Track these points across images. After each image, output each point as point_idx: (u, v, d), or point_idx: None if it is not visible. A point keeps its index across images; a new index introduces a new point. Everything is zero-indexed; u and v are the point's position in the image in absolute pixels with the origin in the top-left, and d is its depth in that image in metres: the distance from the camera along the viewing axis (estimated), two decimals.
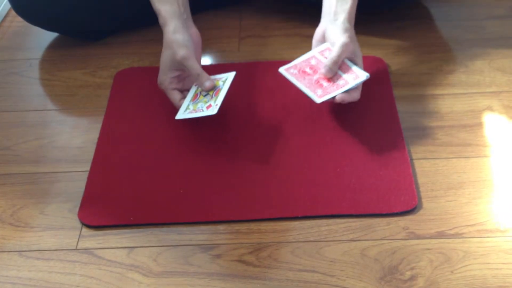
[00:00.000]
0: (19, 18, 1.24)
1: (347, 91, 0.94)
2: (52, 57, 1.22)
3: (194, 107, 0.97)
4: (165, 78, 1.00)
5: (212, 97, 0.97)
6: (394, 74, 1.10)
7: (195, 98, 0.98)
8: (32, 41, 1.27)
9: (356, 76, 0.95)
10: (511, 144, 0.95)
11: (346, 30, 0.97)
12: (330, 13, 0.99)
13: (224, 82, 0.98)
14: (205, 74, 0.98)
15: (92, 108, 1.09)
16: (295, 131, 0.99)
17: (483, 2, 1.28)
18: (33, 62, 1.21)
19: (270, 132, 1.00)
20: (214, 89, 0.98)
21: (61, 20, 1.19)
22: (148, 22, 1.26)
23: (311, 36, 1.02)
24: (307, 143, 0.97)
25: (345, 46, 0.95)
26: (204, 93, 0.98)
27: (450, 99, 1.04)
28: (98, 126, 1.04)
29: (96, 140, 1.01)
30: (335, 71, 0.96)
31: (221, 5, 1.31)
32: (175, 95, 1.01)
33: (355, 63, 0.97)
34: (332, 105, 1.02)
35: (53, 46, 1.25)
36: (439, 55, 1.14)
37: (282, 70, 0.99)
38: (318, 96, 0.94)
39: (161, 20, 1.02)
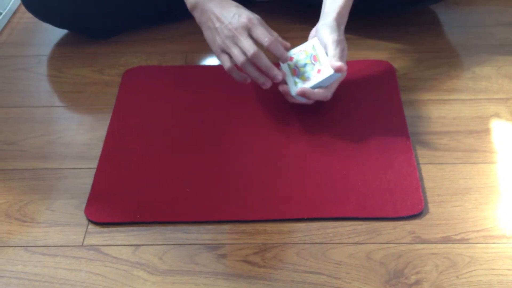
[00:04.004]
0: (29, 14, 1.24)
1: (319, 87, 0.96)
2: (61, 54, 1.23)
3: (303, 78, 0.97)
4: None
5: (313, 64, 0.97)
6: (401, 79, 1.10)
7: (295, 73, 0.98)
8: (41, 37, 1.28)
9: (323, 70, 0.95)
10: None
11: (333, 30, 0.97)
12: (323, 14, 1.00)
13: (313, 47, 0.99)
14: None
15: (99, 106, 1.09)
16: (302, 133, 0.99)
17: (492, 8, 1.28)
18: (41, 59, 1.22)
19: (277, 133, 1.00)
20: (307, 57, 0.98)
21: (70, 17, 1.19)
22: (157, 21, 1.27)
23: None
24: (314, 145, 0.97)
25: (337, 43, 0.96)
26: (300, 64, 0.98)
27: (457, 105, 1.04)
28: (105, 123, 1.04)
29: (103, 138, 1.01)
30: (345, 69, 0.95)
31: None
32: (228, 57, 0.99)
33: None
34: (339, 107, 1.03)
35: (62, 43, 1.25)
36: (446, 60, 1.14)
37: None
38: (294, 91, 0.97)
39: None
